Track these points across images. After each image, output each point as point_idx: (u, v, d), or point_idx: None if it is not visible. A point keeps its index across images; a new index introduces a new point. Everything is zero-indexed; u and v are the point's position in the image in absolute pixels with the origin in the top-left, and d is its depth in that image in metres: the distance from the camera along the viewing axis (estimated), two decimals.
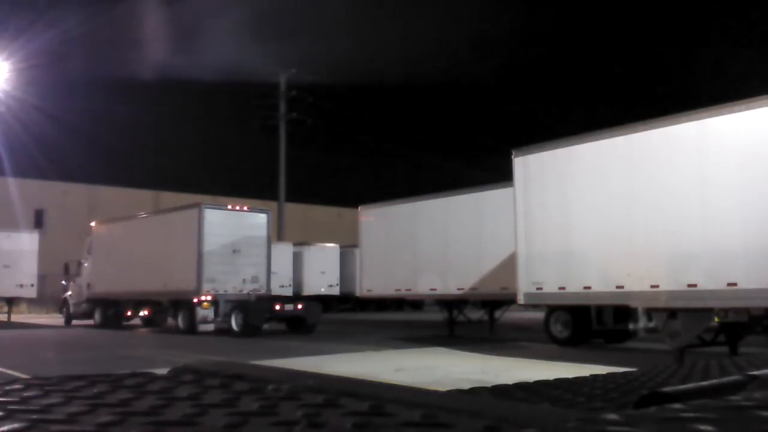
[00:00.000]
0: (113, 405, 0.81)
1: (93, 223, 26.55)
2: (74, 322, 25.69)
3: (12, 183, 36.18)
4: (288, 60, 39.64)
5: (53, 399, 0.84)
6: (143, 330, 22.97)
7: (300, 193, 45.10)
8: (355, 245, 22.37)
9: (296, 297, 21.32)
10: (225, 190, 41.05)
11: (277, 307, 19.71)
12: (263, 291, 21.01)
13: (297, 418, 0.75)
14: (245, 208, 22.09)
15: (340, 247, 35.30)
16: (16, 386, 0.92)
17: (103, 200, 42.24)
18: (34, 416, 0.75)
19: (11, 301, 28.55)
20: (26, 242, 28.50)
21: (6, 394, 0.88)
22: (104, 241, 25.24)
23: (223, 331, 19.60)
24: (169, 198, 41.38)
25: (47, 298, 34.99)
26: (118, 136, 64.12)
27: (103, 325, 23.86)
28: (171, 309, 21.65)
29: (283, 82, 38.51)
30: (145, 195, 43.67)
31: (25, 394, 0.88)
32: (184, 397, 0.86)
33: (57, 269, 36.62)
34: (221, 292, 20.13)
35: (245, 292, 20.50)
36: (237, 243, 20.87)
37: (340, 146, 68.96)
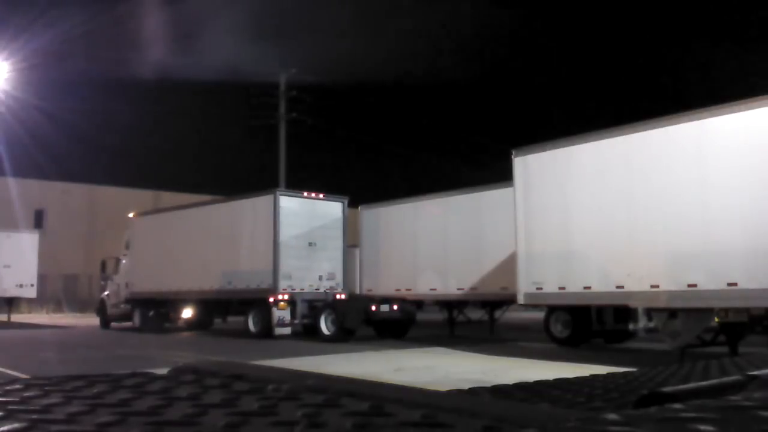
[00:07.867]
0: (113, 405, 0.81)
1: (131, 215, 23.93)
2: (113, 324, 23.37)
3: (12, 183, 36.20)
4: (288, 60, 39.66)
5: (53, 399, 0.84)
6: (188, 333, 20.58)
7: None
8: (355, 245, 22.26)
9: (391, 297, 19.69)
10: (225, 190, 41.04)
11: (373, 308, 17.73)
12: (340, 289, 18.89)
13: (297, 418, 0.75)
14: (320, 196, 19.58)
15: None
16: (16, 386, 0.92)
17: (103, 200, 42.28)
18: (34, 416, 0.75)
19: (11, 301, 28.54)
20: (26, 242, 28.45)
21: (6, 394, 0.88)
22: (149, 235, 22.67)
23: (299, 335, 17.88)
24: (169, 198, 41.37)
25: (47, 298, 35.05)
26: (118, 136, 64.24)
27: (144, 328, 21.51)
28: (223, 310, 19.85)
29: (283, 82, 38.44)
30: (145, 195, 43.68)
31: (25, 394, 0.87)
32: (184, 397, 0.86)
33: (57, 269, 36.76)
34: (298, 290, 18.04)
35: (322, 290, 18.48)
36: (312, 235, 18.72)
37: (340, 146, 69.08)
